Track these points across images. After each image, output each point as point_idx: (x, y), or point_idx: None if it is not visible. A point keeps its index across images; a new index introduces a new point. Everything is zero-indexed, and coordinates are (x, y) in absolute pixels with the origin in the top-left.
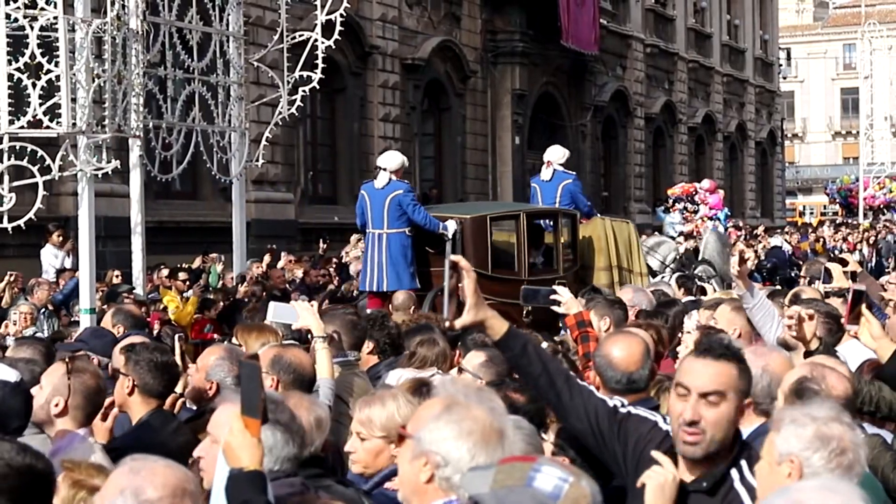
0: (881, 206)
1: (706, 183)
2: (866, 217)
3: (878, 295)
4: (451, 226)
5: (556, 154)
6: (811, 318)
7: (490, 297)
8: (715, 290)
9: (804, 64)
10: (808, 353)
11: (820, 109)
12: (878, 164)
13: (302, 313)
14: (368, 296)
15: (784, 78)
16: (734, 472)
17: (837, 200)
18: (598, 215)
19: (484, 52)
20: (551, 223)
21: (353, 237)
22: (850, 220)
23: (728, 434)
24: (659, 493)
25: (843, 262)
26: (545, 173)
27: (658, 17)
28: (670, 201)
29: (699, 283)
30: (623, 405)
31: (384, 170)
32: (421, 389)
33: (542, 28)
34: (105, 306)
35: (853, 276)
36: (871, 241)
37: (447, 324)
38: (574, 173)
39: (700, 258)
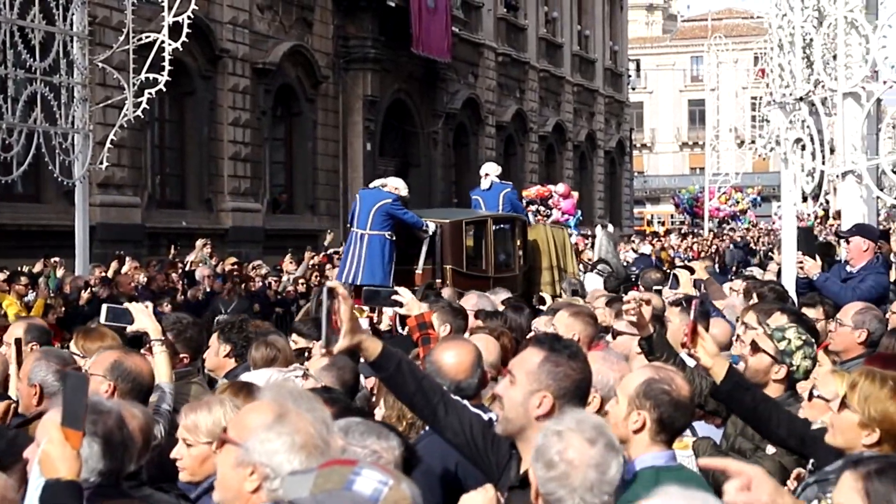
0: (726, 217)
1: (561, 187)
2: (711, 227)
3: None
4: (432, 225)
5: (492, 168)
6: (648, 303)
7: (464, 292)
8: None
9: (653, 75)
10: (643, 339)
11: (668, 120)
12: (724, 175)
13: (137, 316)
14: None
15: (633, 89)
16: None
17: (684, 209)
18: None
19: (336, 58)
20: (510, 227)
21: (199, 242)
22: (695, 230)
23: (522, 419)
24: None
25: (691, 270)
26: (484, 184)
27: (510, 27)
28: (523, 203)
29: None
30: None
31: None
32: (245, 392)
33: (394, 35)
34: None
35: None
36: (715, 250)
37: (324, 350)
38: (510, 183)
39: (596, 258)
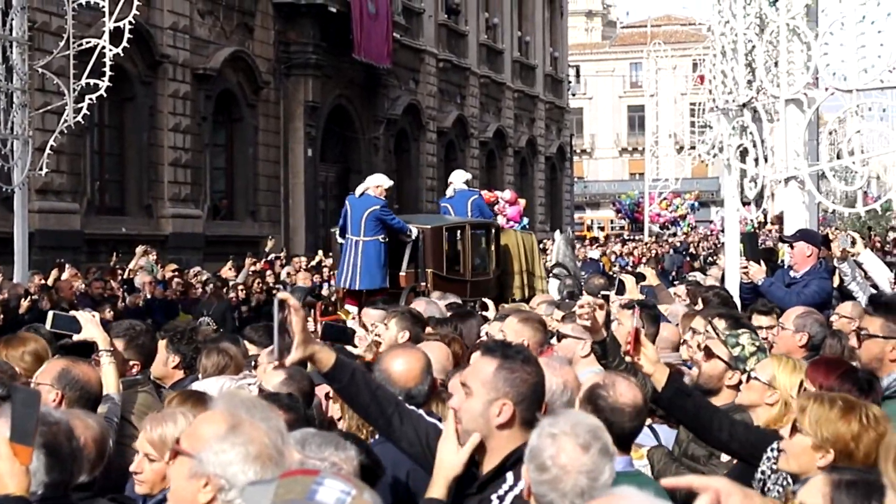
0: (666, 222)
1: (507, 193)
2: (652, 232)
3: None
4: (415, 230)
5: (456, 176)
6: (601, 307)
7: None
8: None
9: (593, 81)
10: (596, 343)
11: (607, 126)
12: (663, 180)
13: (85, 324)
14: (348, 295)
15: (573, 95)
16: (510, 476)
17: (626, 215)
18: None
19: (277, 64)
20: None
21: (139, 248)
22: (636, 236)
23: (482, 430)
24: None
25: (641, 276)
26: (450, 192)
27: (451, 33)
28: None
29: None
30: None
31: (368, 186)
32: (194, 401)
33: (335, 41)
34: None
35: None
36: (655, 255)
37: (276, 362)
38: (477, 190)
39: (553, 262)
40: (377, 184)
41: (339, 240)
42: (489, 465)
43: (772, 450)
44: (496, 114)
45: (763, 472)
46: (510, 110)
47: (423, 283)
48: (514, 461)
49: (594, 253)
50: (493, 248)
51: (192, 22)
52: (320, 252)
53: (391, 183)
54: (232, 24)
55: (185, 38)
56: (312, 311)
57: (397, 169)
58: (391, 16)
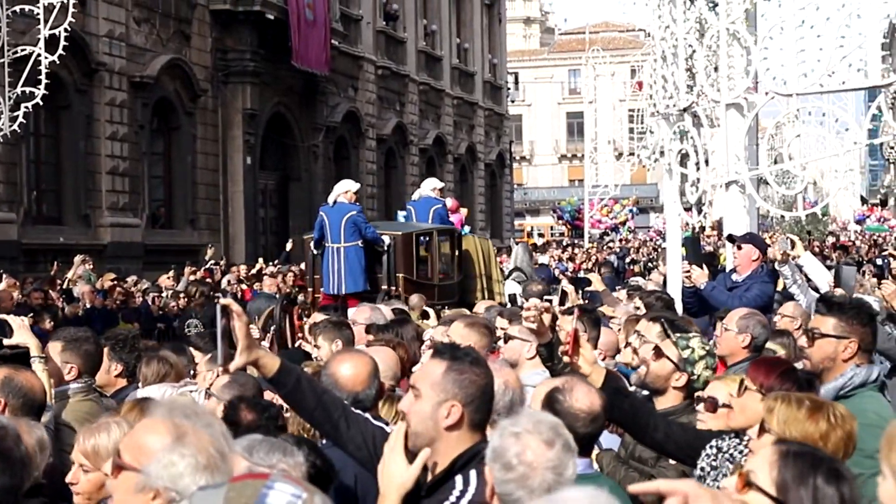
0: (607, 229)
1: (449, 202)
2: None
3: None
4: (387, 239)
5: (427, 185)
6: (548, 311)
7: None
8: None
9: (531, 88)
10: (542, 346)
11: (546, 133)
12: (602, 187)
13: (16, 330)
14: (324, 297)
15: (512, 101)
16: (459, 480)
17: (567, 221)
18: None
19: (214, 71)
20: (447, 239)
21: (77, 258)
22: (576, 241)
23: (431, 432)
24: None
25: (588, 282)
26: (415, 196)
27: (389, 40)
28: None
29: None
30: None
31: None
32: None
33: (273, 48)
34: None
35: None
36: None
37: (220, 368)
38: (442, 199)
39: (512, 267)
40: (345, 189)
41: (314, 250)
42: (437, 467)
43: (710, 447)
44: (435, 121)
45: (702, 469)
46: (449, 117)
47: (395, 287)
48: (462, 464)
49: (544, 258)
50: (456, 253)
51: (129, 29)
52: (260, 260)
53: (358, 185)
54: (168, 32)
55: (121, 45)
56: (288, 316)
57: (337, 176)
58: (329, 23)
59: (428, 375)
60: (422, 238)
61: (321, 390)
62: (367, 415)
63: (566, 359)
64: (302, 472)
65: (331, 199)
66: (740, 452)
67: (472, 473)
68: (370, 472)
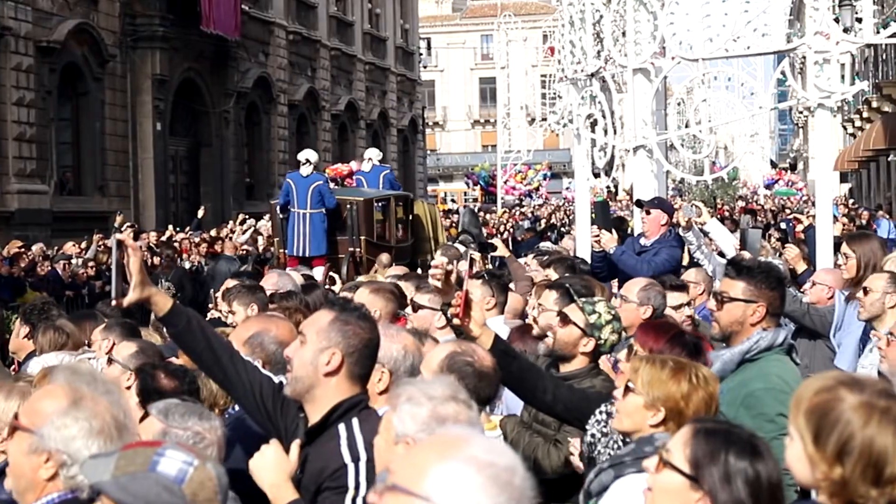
0: (521, 195)
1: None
2: (504, 204)
3: (525, 277)
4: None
5: (373, 153)
6: (452, 271)
7: (374, 259)
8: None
9: (444, 54)
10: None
11: (459, 98)
12: (515, 152)
13: None
14: (290, 259)
15: (425, 67)
16: (341, 427)
17: (482, 187)
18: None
19: (123, 36)
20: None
21: None
22: (490, 207)
23: (311, 377)
24: (260, 473)
25: (493, 247)
26: (365, 166)
27: (300, 5)
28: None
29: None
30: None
31: (309, 162)
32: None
33: (182, 13)
34: None
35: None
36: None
37: (114, 302)
38: (388, 166)
39: (460, 230)
40: (307, 157)
41: (280, 214)
42: (317, 414)
43: (600, 413)
44: (347, 86)
45: (593, 436)
46: (361, 83)
47: (358, 249)
48: (341, 413)
49: None
50: (409, 217)
51: None
52: (170, 227)
53: (316, 157)
54: None
55: (26, 10)
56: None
57: (248, 142)
58: None
59: (315, 323)
60: (379, 203)
61: (211, 333)
62: (257, 362)
63: (456, 321)
64: (218, 437)
65: (302, 169)
66: None
67: (355, 421)
68: (256, 421)
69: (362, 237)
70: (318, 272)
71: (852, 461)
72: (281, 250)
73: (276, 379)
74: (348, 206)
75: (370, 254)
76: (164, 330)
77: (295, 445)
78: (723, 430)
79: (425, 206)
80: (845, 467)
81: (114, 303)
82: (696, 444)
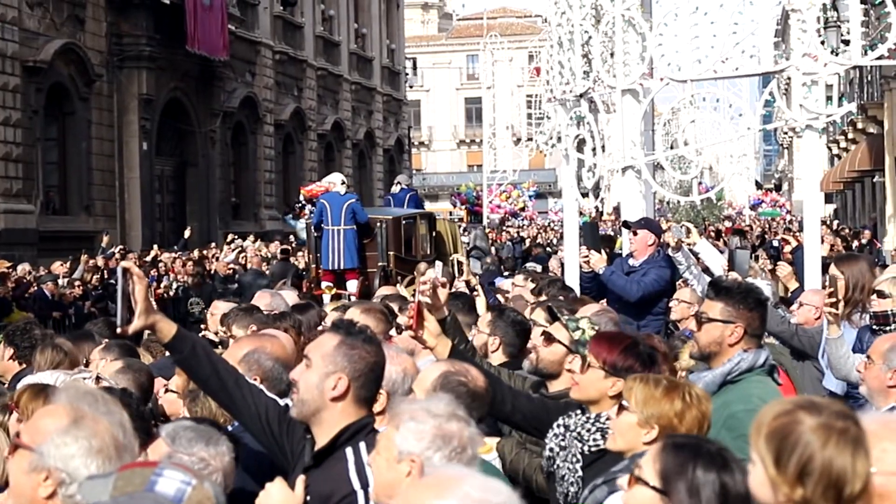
0: (507, 214)
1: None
2: (490, 224)
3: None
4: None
5: (403, 178)
6: (444, 286)
7: (403, 273)
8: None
9: (430, 74)
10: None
11: (445, 118)
12: (501, 172)
13: None
14: (324, 273)
15: (410, 87)
16: (349, 451)
17: (468, 206)
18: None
19: (110, 56)
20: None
21: None
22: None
23: (317, 401)
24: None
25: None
26: (396, 189)
27: (287, 24)
28: (297, 208)
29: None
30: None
31: (343, 183)
32: (44, 396)
33: (169, 33)
34: None
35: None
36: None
37: (119, 330)
38: (415, 188)
39: (472, 246)
40: (332, 181)
41: (315, 233)
42: (324, 437)
43: (557, 426)
44: (334, 106)
45: (552, 450)
46: (348, 102)
47: (387, 263)
48: (348, 436)
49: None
50: (432, 234)
51: (21, 13)
52: (155, 247)
53: (343, 177)
54: (62, 16)
55: (13, 29)
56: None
57: (234, 162)
58: (226, 7)
59: (320, 347)
60: (406, 221)
61: (216, 358)
62: (262, 386)
63: (409, 333)
64: (225, 463)
65: (328, 186)
66: (588, 431)
67: (362, 445)
68: (262, 445)
69: (391, 252)
70: (353, 285)
71: (813, 482)
72: (313, 266)
73: (281, 402)
74: (378, 223)
75: (398, 267)
76: (153, 348)
77: (300, 481)
78: (692, 443)
79: (446, 224)
80: (806, 488)
81: (119, 330)
82: (665, 458)
